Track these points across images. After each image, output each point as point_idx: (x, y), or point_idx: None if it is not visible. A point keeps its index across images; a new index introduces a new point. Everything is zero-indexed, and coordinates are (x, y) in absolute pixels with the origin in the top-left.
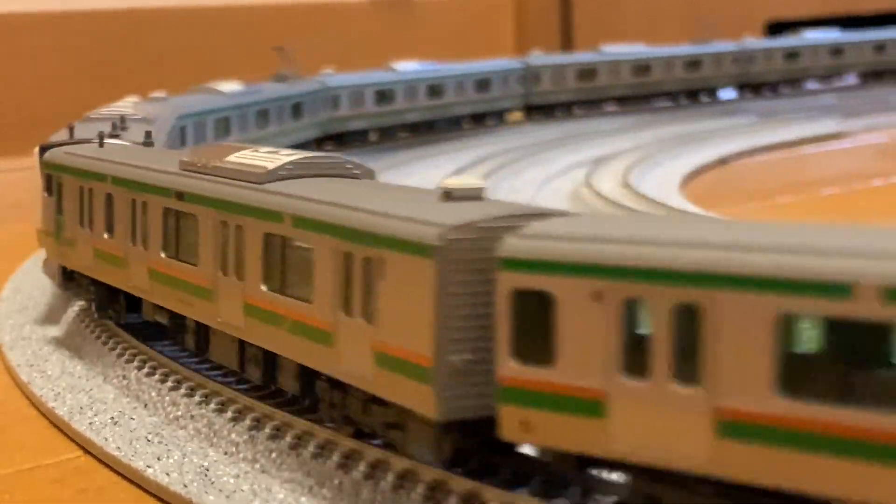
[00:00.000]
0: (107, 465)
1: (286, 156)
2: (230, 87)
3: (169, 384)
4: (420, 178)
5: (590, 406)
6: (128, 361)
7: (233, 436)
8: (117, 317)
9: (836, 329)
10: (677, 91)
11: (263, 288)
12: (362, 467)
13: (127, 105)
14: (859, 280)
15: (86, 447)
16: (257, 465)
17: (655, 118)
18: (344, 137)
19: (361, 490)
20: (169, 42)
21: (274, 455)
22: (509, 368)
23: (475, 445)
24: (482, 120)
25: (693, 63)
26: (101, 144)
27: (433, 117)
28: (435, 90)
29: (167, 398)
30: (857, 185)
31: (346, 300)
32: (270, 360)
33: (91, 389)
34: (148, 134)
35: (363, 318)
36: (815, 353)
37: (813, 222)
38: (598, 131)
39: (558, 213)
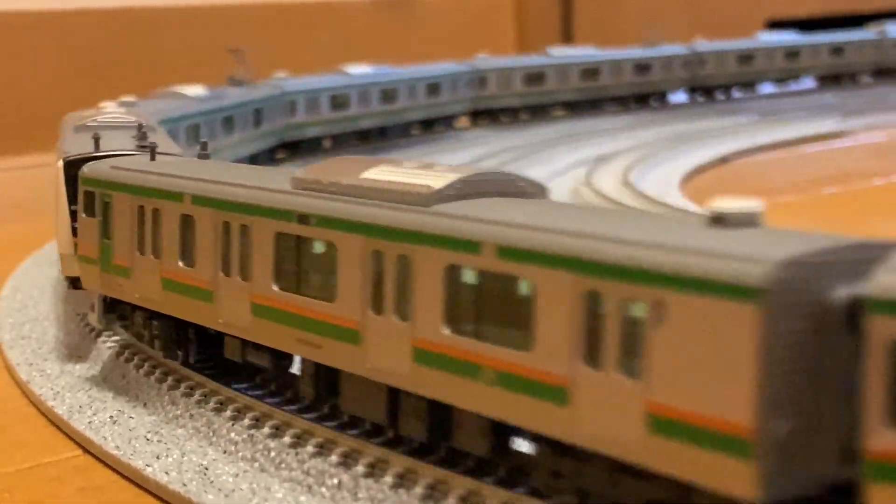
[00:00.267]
0: (106, 464)
1: (447, 172)
2: (195, 91)
3: (168, 383)
4: None
5: None
6: (127, 360)
7: (232, 435)
8: (186, 356)
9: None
10: (627, 95)
11: (446, 331)
12: (361, 466)
13: (109, 110)
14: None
15: (85, 446)
16: (256, 464)
17: (656, 117)
18: (298, 145)
19: (360, 488)
20: (168, 41)
21: (273, 454)
22: (883, 438)
23: None
24: (433, 126)
25: (642, 67)
26: (153, 157)
27: (386, 123)
28: (388, 95)
29: (166, 397)
30: (857, 184)
31: (591, 349)
32: (439, 414)
33: (90, 388)
34: (204, 145)
35: (622, 373)
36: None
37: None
38: (598, 130)
39: (885, 244)
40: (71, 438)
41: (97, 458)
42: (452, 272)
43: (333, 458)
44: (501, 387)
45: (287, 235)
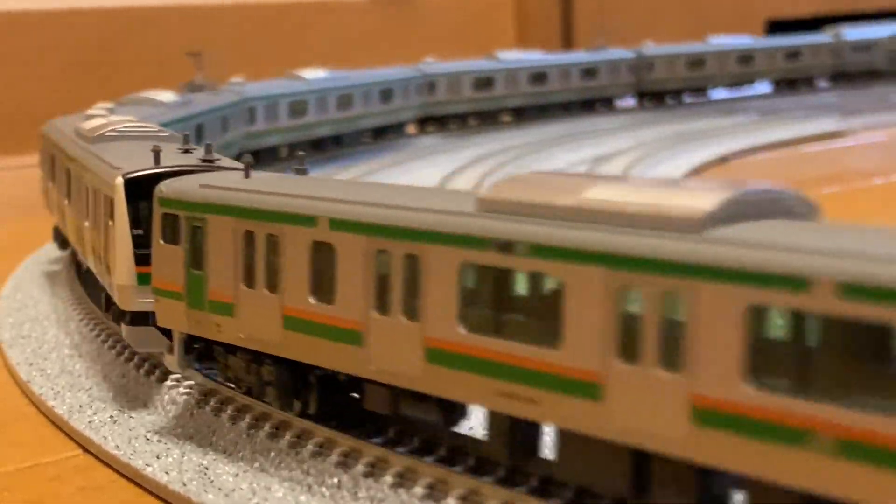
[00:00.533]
0: (106, 464)
1: (703, 190)
2: (167, 96)
3: (168, 383)
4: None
5: None
6: (127, 360)
7: (232, 434)
8: (305, 406)
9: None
10: (574, 101)
11: (749, 389)
12: (361, 465)
13: (101, 113)
14: None
15: (85, 445)
16: (256, 464)
17: (656, 116)
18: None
19: (360, 488)
20: (167, 40)
21: (273, 454)
22: None
23: None
24: (384, 133)
25: (590, 71)
26: (248, 174)
27: (343, 131)
28: (344, 101)
29: (166, 397)
30: (857, 184)
31: None
32: (709, 480)
33: (90, 388)
34: (301, 159)
35: None
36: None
37: None
38: (599, 129)
39: None
40: (71, 438)
41: (97, 458)
42: (755, 314)
43: (333, 457)
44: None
45: (480, 267)
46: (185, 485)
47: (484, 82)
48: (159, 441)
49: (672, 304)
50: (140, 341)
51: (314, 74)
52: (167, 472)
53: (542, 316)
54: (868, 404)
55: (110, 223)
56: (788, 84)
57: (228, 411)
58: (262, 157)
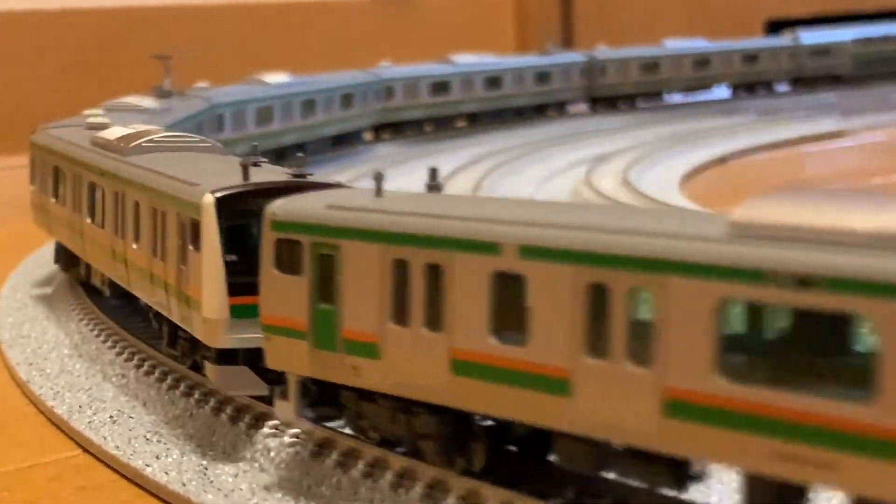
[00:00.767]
0: (105, 464)
1: None
2: (148, 103)
3: (168, 383)
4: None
5: None
6: (127, 360)
7: (231, 435)
8: (469, 462)
9: None
10: (528, 106)
11: None
12: (361, 466)
13: (103, 121)
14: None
15: (84, 446)
16: (256, 464)
17: (656, 117)
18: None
19: (359, 489)
20: (167, 40)
21: (272, 454)
22: None
23: None
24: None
25: (543, 76)
26: (380, 191)
27: (306, 139)
28: (307, 107)
29: (166, 397)
30: (857, 184)
31: None
32: None
33: (90, 388)
34: (433, 173)
35: None
36: None
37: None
38: (599, 129)
39: None
40: (70, 438)
41: (97, 458)
42: None
43: (333, 458)
44: None
45: (750, 304)
46: (184, 485)
47: (440, 87)
48: (159, 441)
49: None
50: (230, 383)
51: (276, 79)
52: (167, 473)
53: (844, 363)
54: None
55: (189, 248)
56: (747, 88)
57: (228, 412)
58: None
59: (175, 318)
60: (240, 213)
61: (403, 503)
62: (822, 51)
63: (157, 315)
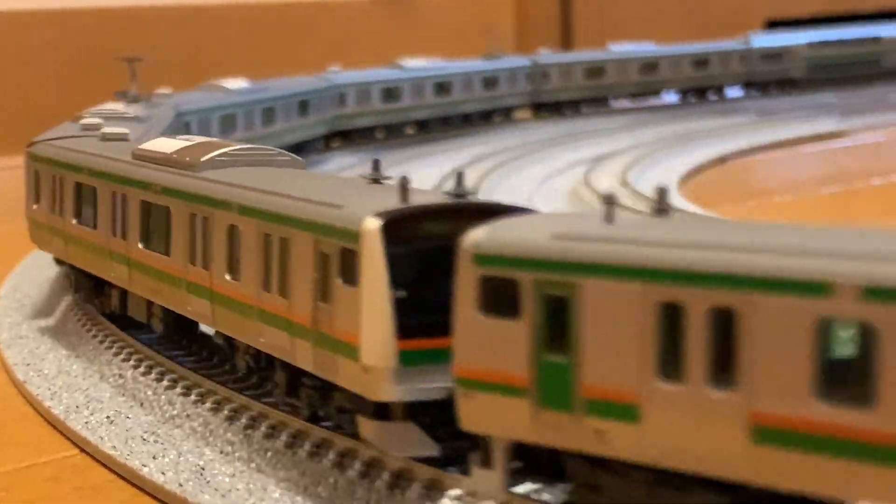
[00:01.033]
0: (102, 464)
1: None
2: (136, 110)
3: (165, 383)
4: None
5: None
6: (124, 360)
7: (228, 435)
8: None
9: None
10: (475, 111)
11: None
12: (357, 466)
13: (122, 131)
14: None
15: (82, 446)
16: (253, 465)
17: (655, 117)
18: None
19: (356, 489)
20: (167, 40)
21: (269, 454)
22: None
23: None
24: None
25: (490, 81)
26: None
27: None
28: (267, 114)
29: (163, 397)
30: (856, 184)
31: None
32: None
33: (87, 388)
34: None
35: None
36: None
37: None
38: (598, 129)
39: None
40: (67, 438)
41: (94, 458)
42: None
43: (329, 458)
44: None
45: None
46: (181, 485)
47: (391, 93)
48: (156, 441)
49: None
50: (392, 442)
51: (236, 85)
52: (164, 473)
53: None
54: None
55: (337, 282)
56: (697, 93)
57: (225, 412)
58: None
59: (305, 365)
60: (408, 239)
61: (400, 503)
62: (774, 54)
63: (238, 350)
